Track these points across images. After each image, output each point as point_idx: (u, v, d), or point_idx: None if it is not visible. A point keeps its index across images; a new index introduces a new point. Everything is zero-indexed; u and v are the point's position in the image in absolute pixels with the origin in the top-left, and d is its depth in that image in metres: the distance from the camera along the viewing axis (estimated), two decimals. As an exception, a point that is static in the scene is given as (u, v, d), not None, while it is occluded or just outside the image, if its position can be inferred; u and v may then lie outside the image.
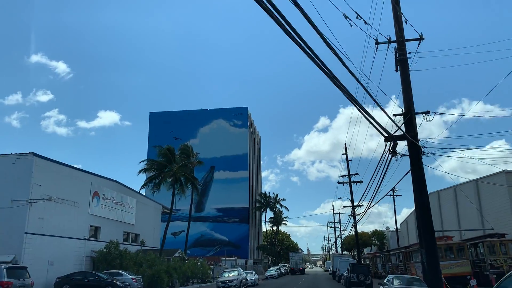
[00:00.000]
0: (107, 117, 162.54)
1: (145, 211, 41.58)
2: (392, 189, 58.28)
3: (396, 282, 15.00)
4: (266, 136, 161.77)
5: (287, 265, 72.33)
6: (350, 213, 43.36)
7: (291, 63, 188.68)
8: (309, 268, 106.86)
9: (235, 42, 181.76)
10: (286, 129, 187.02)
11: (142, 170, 36.92)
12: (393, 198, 58.17)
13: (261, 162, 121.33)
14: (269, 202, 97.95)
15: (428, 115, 17.61)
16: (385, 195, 33.04)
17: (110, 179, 36.04)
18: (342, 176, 44.81)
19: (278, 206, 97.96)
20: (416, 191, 17.17)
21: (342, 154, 45.21)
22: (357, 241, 42.40)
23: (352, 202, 42.41)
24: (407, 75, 17.22)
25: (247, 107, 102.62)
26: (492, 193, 36.05)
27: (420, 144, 17.43)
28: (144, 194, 43.78)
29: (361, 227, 72.42)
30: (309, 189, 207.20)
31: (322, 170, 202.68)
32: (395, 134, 17.20)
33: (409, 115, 17.32)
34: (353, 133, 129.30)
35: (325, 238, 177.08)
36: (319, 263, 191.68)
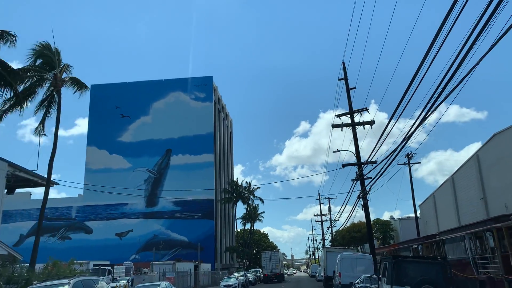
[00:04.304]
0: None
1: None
2: (408, 155, 40.42)
3: None
4: (247, 140, 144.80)
5: (260, 269, 53.50)
6: (355, 175, 25.00)
7: (271, 68, 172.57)
8: (287, 275, 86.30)
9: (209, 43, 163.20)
10: (267, 135, 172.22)
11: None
12: (409, 166, 40.19)
13: (233, 147, 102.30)
14: (241, 193, 78.97)
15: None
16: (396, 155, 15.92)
17: None
18: (338, 116, 26.17)
19: (252, 197, 79.21)
20: None
21: (340, 79, 26.99)
22: (368, 223, 23.92)
23: (357, 152, 24.07)
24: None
25: (211, 77, 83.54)
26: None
27: None
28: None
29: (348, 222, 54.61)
30: (291, 194, 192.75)
31: (304, 175, 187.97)
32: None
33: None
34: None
35: (309, 239, 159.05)
36: (303, 268, 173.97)
